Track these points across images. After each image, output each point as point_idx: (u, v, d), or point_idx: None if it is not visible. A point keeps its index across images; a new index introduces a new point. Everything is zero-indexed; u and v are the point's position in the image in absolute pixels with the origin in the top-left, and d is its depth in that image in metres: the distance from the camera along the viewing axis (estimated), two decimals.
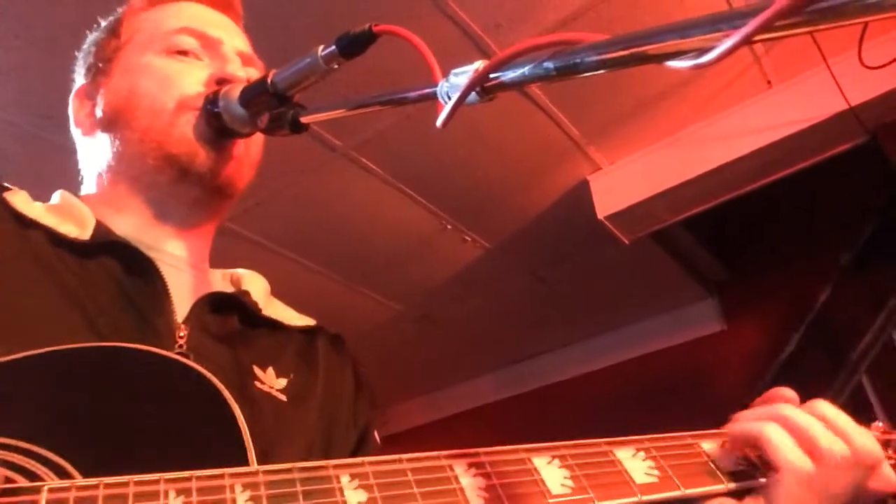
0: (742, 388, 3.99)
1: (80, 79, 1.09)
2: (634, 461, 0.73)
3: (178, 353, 0.82)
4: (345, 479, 0.61)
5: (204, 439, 0.68)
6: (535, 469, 0.69)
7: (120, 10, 1.10)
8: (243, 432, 0.68)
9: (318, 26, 2.46)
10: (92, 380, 0.69)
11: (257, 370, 0.93)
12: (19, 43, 2.38)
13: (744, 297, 4.39)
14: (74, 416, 0.66)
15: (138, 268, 0.89)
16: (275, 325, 1.02)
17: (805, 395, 0.83)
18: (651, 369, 4.55)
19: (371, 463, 0.63)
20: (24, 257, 0.84)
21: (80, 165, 1.07)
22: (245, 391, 0.88)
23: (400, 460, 0.65)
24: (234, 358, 0.91)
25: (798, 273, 4.05)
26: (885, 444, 0.85)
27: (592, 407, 4.62)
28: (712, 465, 0.75)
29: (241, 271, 1.09)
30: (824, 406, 0.77)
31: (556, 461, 0.70)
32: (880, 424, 0.88)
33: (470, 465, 0.66)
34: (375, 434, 1.07)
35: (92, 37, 1.10)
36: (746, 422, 0.77)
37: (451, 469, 0.65)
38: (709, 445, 0.78)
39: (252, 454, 0.67)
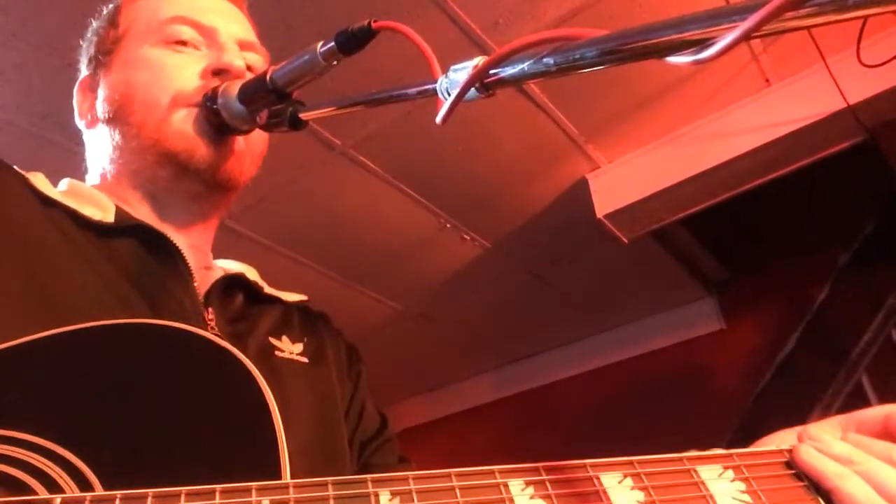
0: (741, 388, 3.99)
1: (83, 69, 1.09)
2: (721, 483, 0.63)
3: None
4: (384, 496, 0.56)
5: (236, 430, 0.65)
6: (604, 491, 0.60)
7: None
8: (275, 420, 0.64)
9: (318, 24, 2.46)
10: (125, 359, 0.67)
11: (274, 341, 0.96)
12: (18, 42, 2.38)
13: (743, 296, 4.39)
14: (96, 405, 0.64)
15: (161, 250, 0.91)
16: (276, 301, 1.05)
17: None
18: (650, 368, 4.56)
19: (416, 478, 0.58)
20: (54, 236, 0.85)
21: (87, 156, 1.07)
22: (269, 363, 0.92)
23: (448, 476, 0.58)
24: (253, 334, 0.94)
25: (797, 272, 4.06)
26: None
27: (591, 406, 4.62)
28: (812, 492, 0.64)
29: (221, 261, 1.10)
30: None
31: (629, 480, 0.62)
32: None
33: (528, 484, 0.59)
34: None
35: (93, 26, 1.10)
36: (835, 471, 0.65)
37: (507, 488, 0.59)
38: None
39: (284, 452, 0.64)
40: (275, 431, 0.64)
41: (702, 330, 4.51)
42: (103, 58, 1.04)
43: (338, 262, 3.91)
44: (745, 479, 0.63)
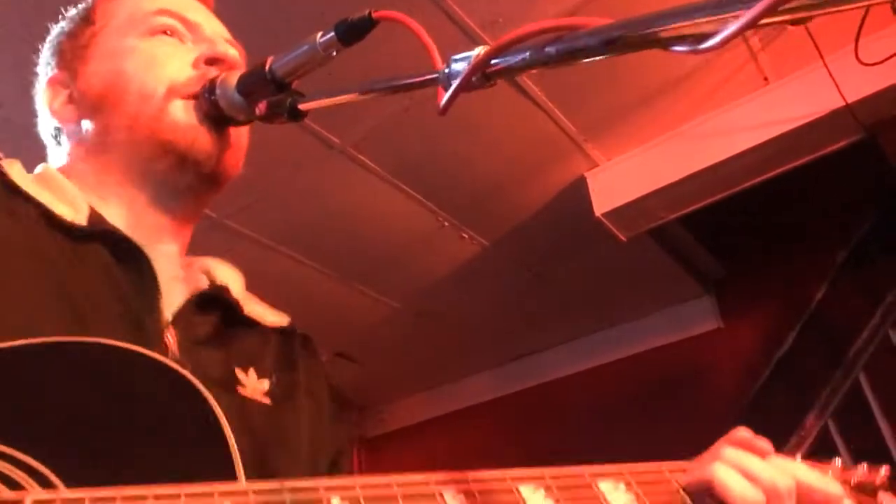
0: (739, 387, 3.99)
1: (48, 69, 1.05)
2: (616, 494, 0.74)
3: (163, 355, 0.80)
4: (335, 500, 0.61)
5: (191, 450, 0.67)
6: (524, 500, 0.69)
7: None
8: (230, 441, 0.66)
9: (317, 16, 2.46)
10: (75, 377, 0.67)
11: (239, 373, 0.90)
12: (17, 41, 2.37)
13: (741, 295, 4.40)
14: (56, 417, 0.64)
15: (132, 261, 0.86)
16: (253, 325, 0.99)
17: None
18: (648, 367, 4.56)
19: (363, 486, 0.63)
20: (15, 237, 0.81)
21: (50, 157, 1.03)
22: (231, 397, 0.86)
23: (390, 485, 0.65)
24: (219, 362, 0.89)
25: (795, 270, 4.06)
26: (844, 483, 0.85)
27: (589, 404, 4.62)
28: (688, 502, 0.78)
29: (210, 261, 1.04)
30: (767, 446, 0.81)
31: (542, 491, 0.71)
32: (839, 463, 0.88)
33: (459, 492, 0.67)
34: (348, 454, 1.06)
35: (59, 27, 1.06)
36: (698, 469, 0.79)
37: (441, 496, 0.66)
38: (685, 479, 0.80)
39: (239, 465, 0.66)
40: (227, 442, 0.67)
41: (700, 328, 4.51)
42: (80, 51, 1.00)
43: (336, 261, 3.91)
44: (636, 493, 0.75)
